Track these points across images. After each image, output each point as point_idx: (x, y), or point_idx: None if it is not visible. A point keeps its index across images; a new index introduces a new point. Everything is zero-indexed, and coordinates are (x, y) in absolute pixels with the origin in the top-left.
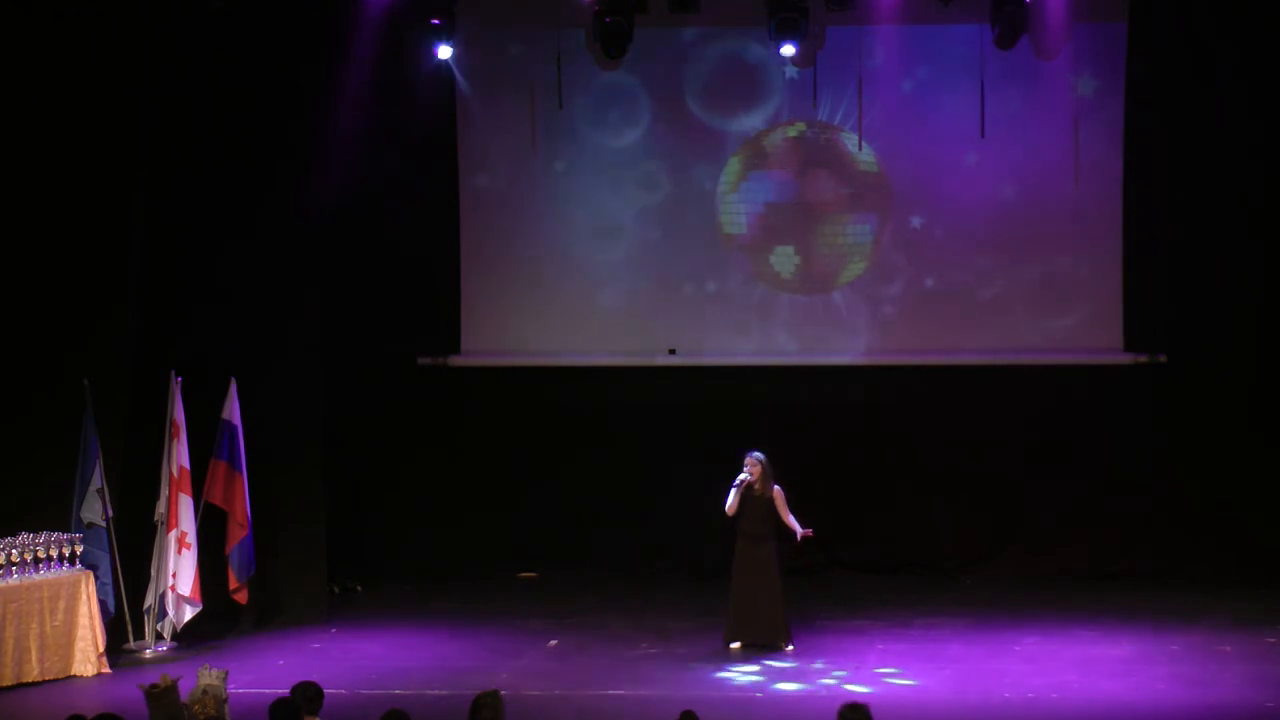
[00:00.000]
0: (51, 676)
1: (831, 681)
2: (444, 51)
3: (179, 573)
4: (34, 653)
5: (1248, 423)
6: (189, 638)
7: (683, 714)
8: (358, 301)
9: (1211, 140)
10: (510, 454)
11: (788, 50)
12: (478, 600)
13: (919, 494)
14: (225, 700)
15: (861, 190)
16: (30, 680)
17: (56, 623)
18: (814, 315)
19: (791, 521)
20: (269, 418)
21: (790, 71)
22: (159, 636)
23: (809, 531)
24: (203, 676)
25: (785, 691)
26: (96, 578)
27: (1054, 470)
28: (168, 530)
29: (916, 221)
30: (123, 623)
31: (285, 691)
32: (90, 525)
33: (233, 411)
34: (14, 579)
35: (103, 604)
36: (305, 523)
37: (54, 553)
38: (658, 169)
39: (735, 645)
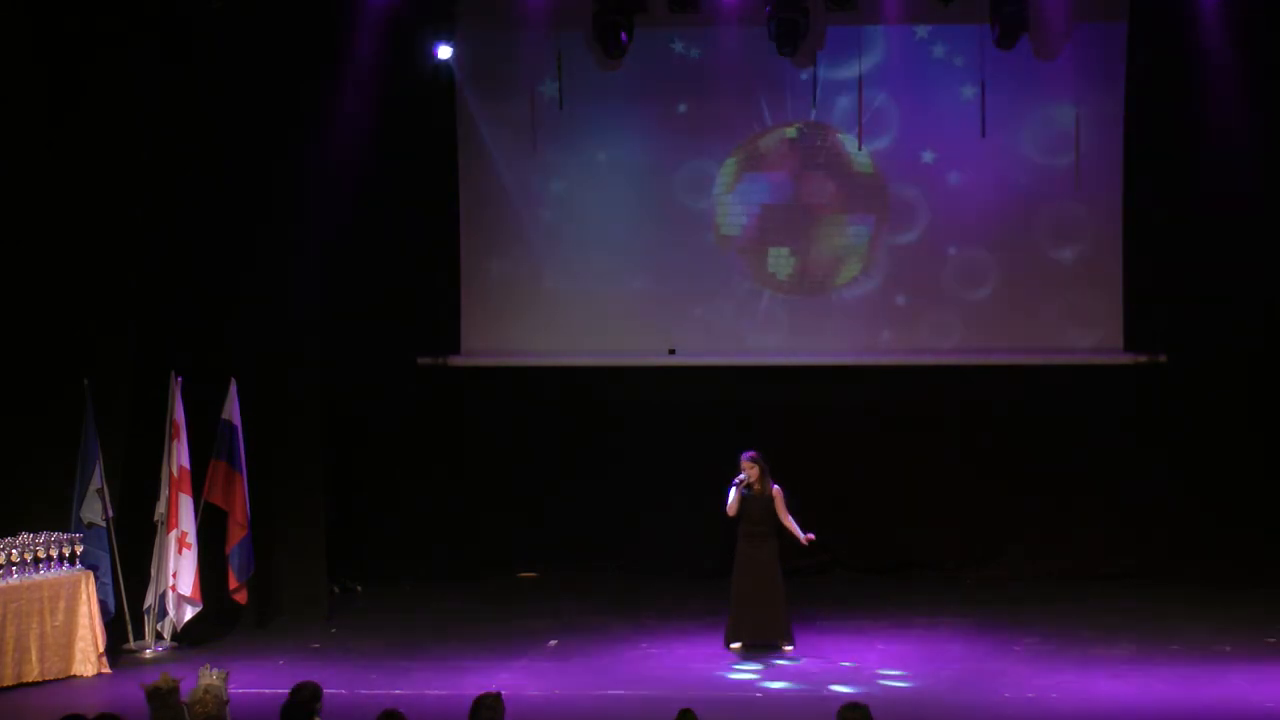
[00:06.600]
0: (51, 676)
1: (831, 681)
2: (444, 51)
3: (179, 573)
4: (34, 653)
5: (1247, 423)
6: (189, 638)
7: (681, 712)
8: (358, 301)
9: (1211, 140)
10: (510, 454)
11: (787, 51)
12: (478, 600)
13: (919, 494)
14: (226, 701)
15: (858, 191)
16: (30, 680)
17: (57, 623)
18: (811, 316)
19: (790, 523)
20: (269, 418)
21: (789, 72)
22: (159, 636)
23: (811, 536)
24: (203, 676)
25: (785, 691)
26: (96, 578)
27: (1054, 470)
28: (168, 530)
29: (914, 222)
30: (123, 623)
31: (285, 691)
32: (90, 525)
33: (233, 412)
34: (14, 579)
35: (103, 604)
36: (305, 523)
37: (54, 553)
38: (656, 169)
39: (736, 645)
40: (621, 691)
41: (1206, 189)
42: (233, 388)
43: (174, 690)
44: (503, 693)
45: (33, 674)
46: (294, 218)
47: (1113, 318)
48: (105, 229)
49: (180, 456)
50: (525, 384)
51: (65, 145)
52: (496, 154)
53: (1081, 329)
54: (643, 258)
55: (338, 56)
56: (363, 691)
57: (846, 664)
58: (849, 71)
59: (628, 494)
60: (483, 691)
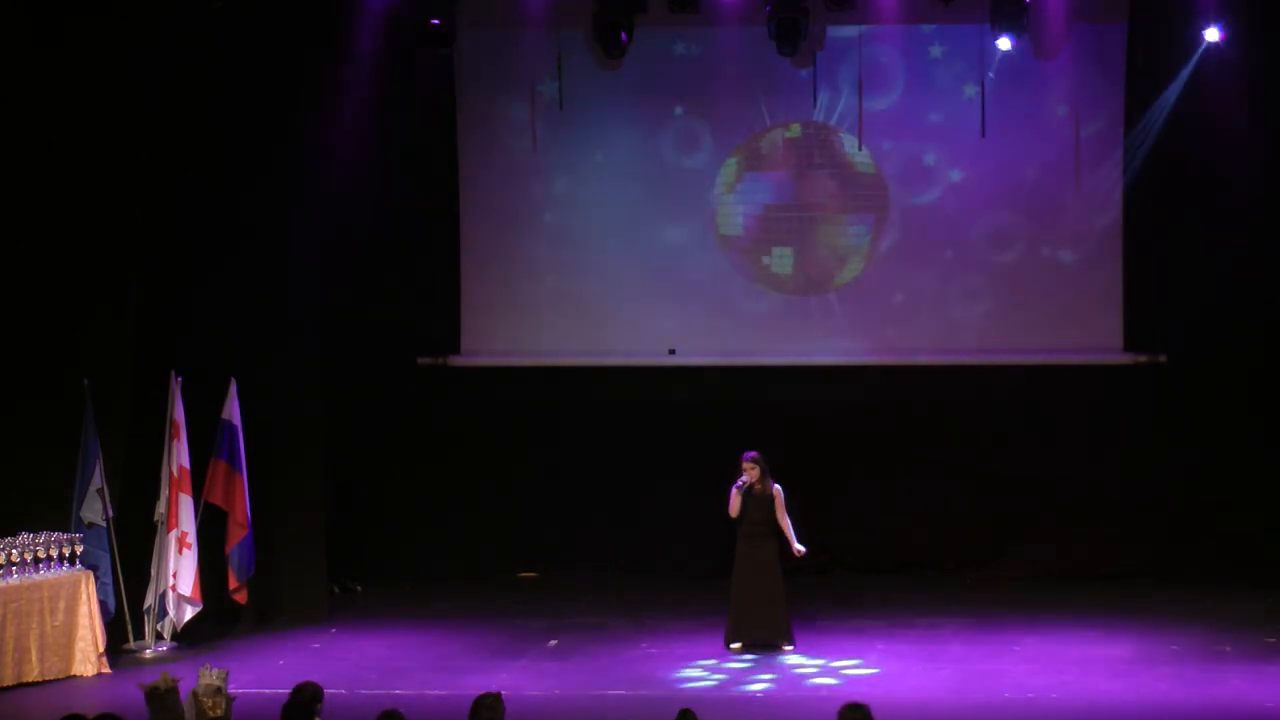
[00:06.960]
0: (51, 676)
1: (831, 681)
2: (445, 51)
3: (179, 573)
4: (34, 653)
5: (1247, 423)
6: (189, 638)
7: (681, 712)
8: (358, 301)
9: (1211, 140)
10: (510, 454)
11: (787, 51)
12: (478, 600)
13: (919, 493)
14: (232, 700)
15: (859, 191)
16: (30, 680)
17: (56, 623)
18: (812, 316)
19: (786, 525)
20: (269, 418)
21: (789, 72)
22: (159, 636)
23: (801, 549)
24: (204, 676)
25: (784, 691)
26: (96, 578)
27: (1054, 470)
28: (168, 530)
29: (914, 222)
30: (123, 623)
31: (285, 691)
32: (90, 525)
33: (233, 411)
34: (14, 579)
35: (103, 604)
36: (305, 523)
37: (54, 553)
38: (656, 169)
39: (736, 645)
40: (621, 691)
41: (1206, 189)
42: (233, 388)
43: (173, 690)
44: (503, 693)
45: (33, 674)
46: (294, 217)
47: (1113, 318)
48: (105, 229)
49: (180, 456)
50: (525, 384)
51: (65, 145)
52: (496, 154)
53: (1082, 329)
54: (643, 258)
55: (338, 56)
56: (363, 691)
57: (846, 664)
58: (849, 71)
59: (627, 494)
60: (483, 691)
